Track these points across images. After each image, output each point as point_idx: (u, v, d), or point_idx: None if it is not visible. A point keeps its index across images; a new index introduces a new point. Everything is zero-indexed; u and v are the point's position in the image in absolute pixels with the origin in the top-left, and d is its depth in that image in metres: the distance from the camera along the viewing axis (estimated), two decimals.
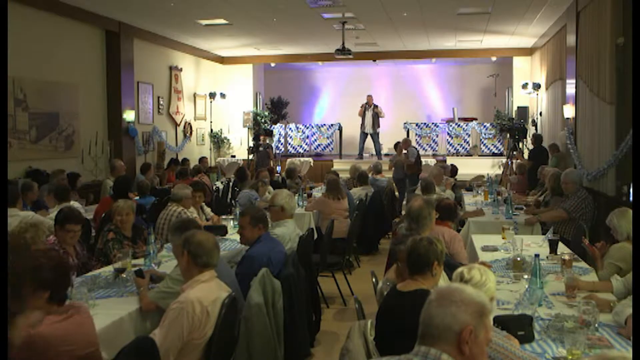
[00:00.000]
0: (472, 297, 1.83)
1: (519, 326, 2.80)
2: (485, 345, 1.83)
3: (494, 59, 15.31)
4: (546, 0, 9.35)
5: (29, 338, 2.44)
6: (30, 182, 6.99)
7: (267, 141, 13.94)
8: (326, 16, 10.62)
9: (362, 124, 14.82)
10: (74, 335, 2.56)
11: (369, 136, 14.88)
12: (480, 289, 2.50)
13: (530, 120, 13.55)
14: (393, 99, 17.64)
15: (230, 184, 10.81)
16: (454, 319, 1.78)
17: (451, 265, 3.83)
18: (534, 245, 5.15)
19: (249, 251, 4.26)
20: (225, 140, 15.48)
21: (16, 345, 2.35)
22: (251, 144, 14.15)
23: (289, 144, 16.11)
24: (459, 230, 6.41)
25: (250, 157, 13.81)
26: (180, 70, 13.47)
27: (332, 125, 16.11)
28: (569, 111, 9.44)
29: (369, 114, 14.71)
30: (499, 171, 13.01)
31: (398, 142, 12.01)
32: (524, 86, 13.43)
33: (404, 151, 11.30)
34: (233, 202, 8.12)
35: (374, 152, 15.26)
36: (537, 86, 12.84)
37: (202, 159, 12.61)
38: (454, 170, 10.79)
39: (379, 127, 14.81)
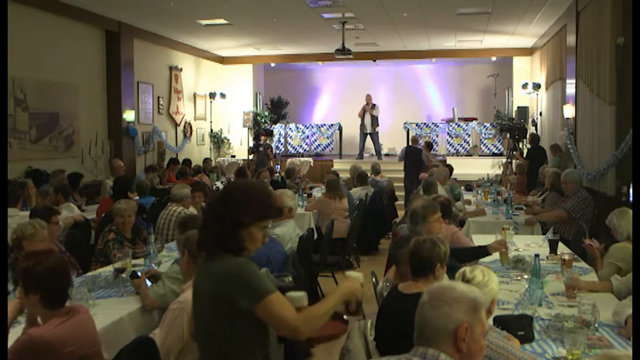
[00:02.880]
0: (463, 294, 1.83)
1: (519, 326, 2.80)
2: (483, 339, 1.83)
3: (494, 59, 15.31)
4: (546, 0, 9.35)
5: (31, 340, 2.44)
6: (24, 180, 6.99)
7: (268, 141, 13.95)
8: (326, 16, 10.62)
9: (362, 124, 14.83)
10: (75, 335, 2.56)
11: (368, 136, 14.89)
12: (482, 289, 2.50)
13: (530, 120, 13.55)
14: (393, 99, 17.64)
15: None
16: (448, 318, 1.78)
17: (450, 267, 3.83)
18: (534, 245, 5.15)
19: None
20: (225, 140, 15.47)
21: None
22: (251, 144, 14.12)
23: (289, 144, 16.10)
24: None
25: (250, 157, 13.80)
26: (180, 70, 13.47)
27: (332, 125, 16.11)
28: (569, 111, 9.44)
29: (367, 114, 14.73)
30: (499, 171, 13.00)
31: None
32: (524, 86, 13.43)
33: None
34: None
35: (374, 152, 15.27)
36: (537, 86, 12.84)
37: (207, 160, 12.58)
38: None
39: (378, 126, 14.82)
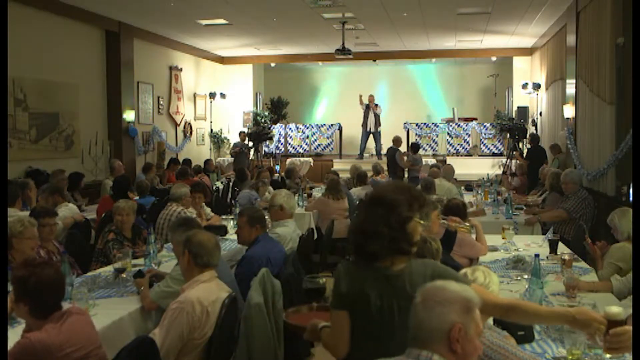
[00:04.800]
0: (456, 294, 1.80)
1: (519, 326, 2.79)
2: (477, 339, 1.81)
3: (494, 59, 15.31)
4: (546, 0, 9.35)
5: (30, 344, 2.44)
6: (26, 180, 6.98)
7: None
8: (326, 16, 10.62)
9: (365, 123, 14.85)
10: (73, 336, 2.56)
11: (371, 135, 14.92)
12: None
13: (530, 120, 13.55)
14: (393, 99, 17.64)
15: (230, 184, 10.82)
16: (441, 319, 1.76)
17: (451, 266, 3.82)
18: (534, 245, 5.14)
19: (248, 252, 4.26)
20: (225, 140, 15.47)
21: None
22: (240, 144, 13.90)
23: (289, 144, 16.10)
24: None
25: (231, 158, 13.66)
26: (180, 70, 13.47)
27: (332, 125, 16.11)
28: (569, 111, 9.44)
29: (371, 114, 14.76)
30: (499, 171, 13.01)
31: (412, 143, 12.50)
32: (524, 86, 13.44)
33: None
34: (233, 202, 8.12)
35: (374, 152, 15.28)
36: (537, 86, 12.84)
37: (208, 162, 12.55)
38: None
39: (380, 125, 14.85)
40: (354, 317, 2.29)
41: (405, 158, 11.65)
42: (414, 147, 12.00)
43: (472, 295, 1.84)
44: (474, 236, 4.76)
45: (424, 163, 11.95)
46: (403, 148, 12.34)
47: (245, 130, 14.74)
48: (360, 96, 14.98)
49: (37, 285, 2.53)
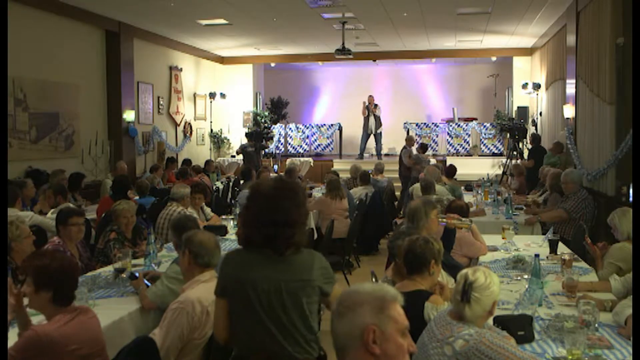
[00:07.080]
0: (367, 295, 1.75)
1: (519, 326, 2.80)
2: (401, 336, 1.74)
3: (494, 59, 15.31)
4: (546, 0, 9.35)
5: (36, 336, 2.46)
6: (24, 179, 6.99)
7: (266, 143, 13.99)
8: (326, 16, 10.62)
9: (366, 124, 14.84)
10: (79, 335, 2.58)
11: (371, 136, 14.92)
12: (484, 291, 2.50)
13: (530, 120, 13.55)
14: (393, 99, 17.63)
15: (231, 184, 10.82)
16: (352, 324, 1.71)
17: (452, 266, 3.83)
18: (534, 245, 5.15)
19: None
20: (225, 140, 15.47)
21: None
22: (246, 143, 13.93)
23: (289, 144, 16.10)
24: None
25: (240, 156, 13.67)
26: (180, 70, 13.47)
27: (332, 125, 16.10)
28: (569, 111, 9.44)
29: (372, 116, 14.75)
30: (499, 171, 13.01)
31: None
32: (524, 86, 13.44)
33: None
34: (233, 202, 8.13)
35: (374, 152, 15.28)
36: (537, 86, 12.84)
37: (209, 162, 12.53)
38: (452, 170, 10.65)
39: (381, 126, 14.86)
40: (236, 303, 2.43)
41: (409, 157, 11.77)
42: (423, 147, 12.22)
43: (385, 293, 1.77)
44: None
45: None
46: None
47: (246, 130, 14.74)
48: (364, 103, 14.91)
49: (59, 269, 2.60)
